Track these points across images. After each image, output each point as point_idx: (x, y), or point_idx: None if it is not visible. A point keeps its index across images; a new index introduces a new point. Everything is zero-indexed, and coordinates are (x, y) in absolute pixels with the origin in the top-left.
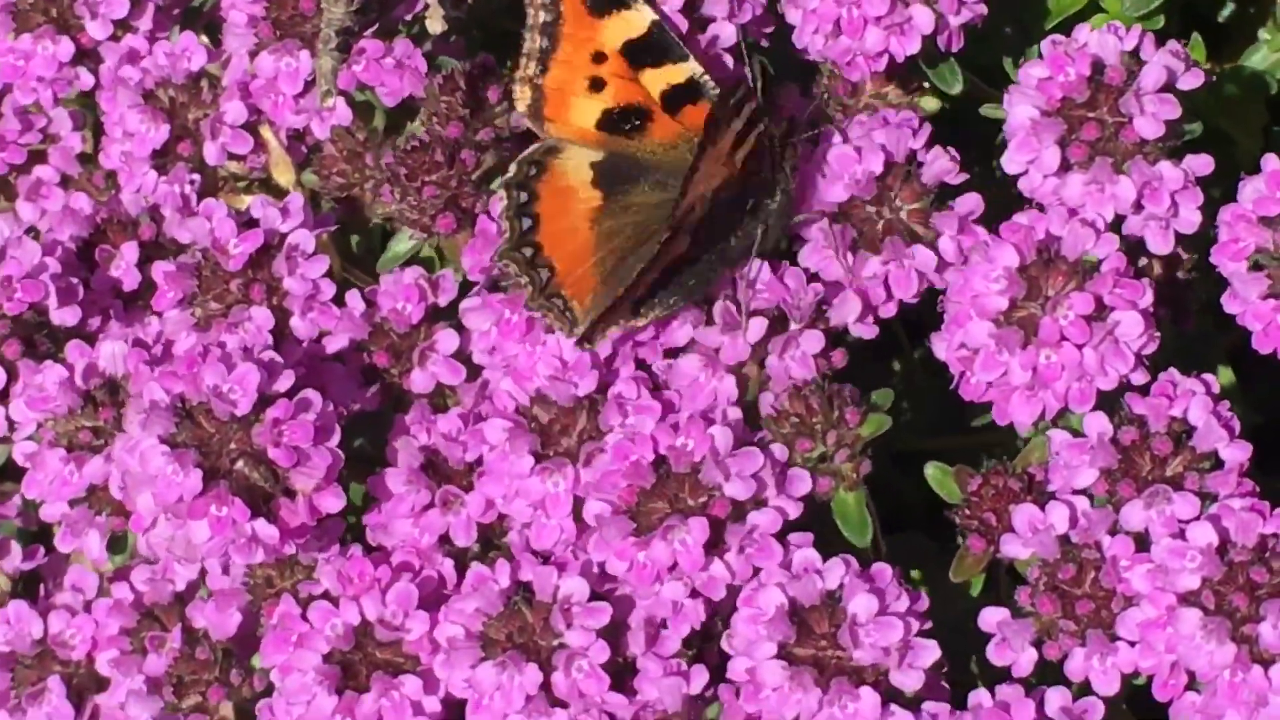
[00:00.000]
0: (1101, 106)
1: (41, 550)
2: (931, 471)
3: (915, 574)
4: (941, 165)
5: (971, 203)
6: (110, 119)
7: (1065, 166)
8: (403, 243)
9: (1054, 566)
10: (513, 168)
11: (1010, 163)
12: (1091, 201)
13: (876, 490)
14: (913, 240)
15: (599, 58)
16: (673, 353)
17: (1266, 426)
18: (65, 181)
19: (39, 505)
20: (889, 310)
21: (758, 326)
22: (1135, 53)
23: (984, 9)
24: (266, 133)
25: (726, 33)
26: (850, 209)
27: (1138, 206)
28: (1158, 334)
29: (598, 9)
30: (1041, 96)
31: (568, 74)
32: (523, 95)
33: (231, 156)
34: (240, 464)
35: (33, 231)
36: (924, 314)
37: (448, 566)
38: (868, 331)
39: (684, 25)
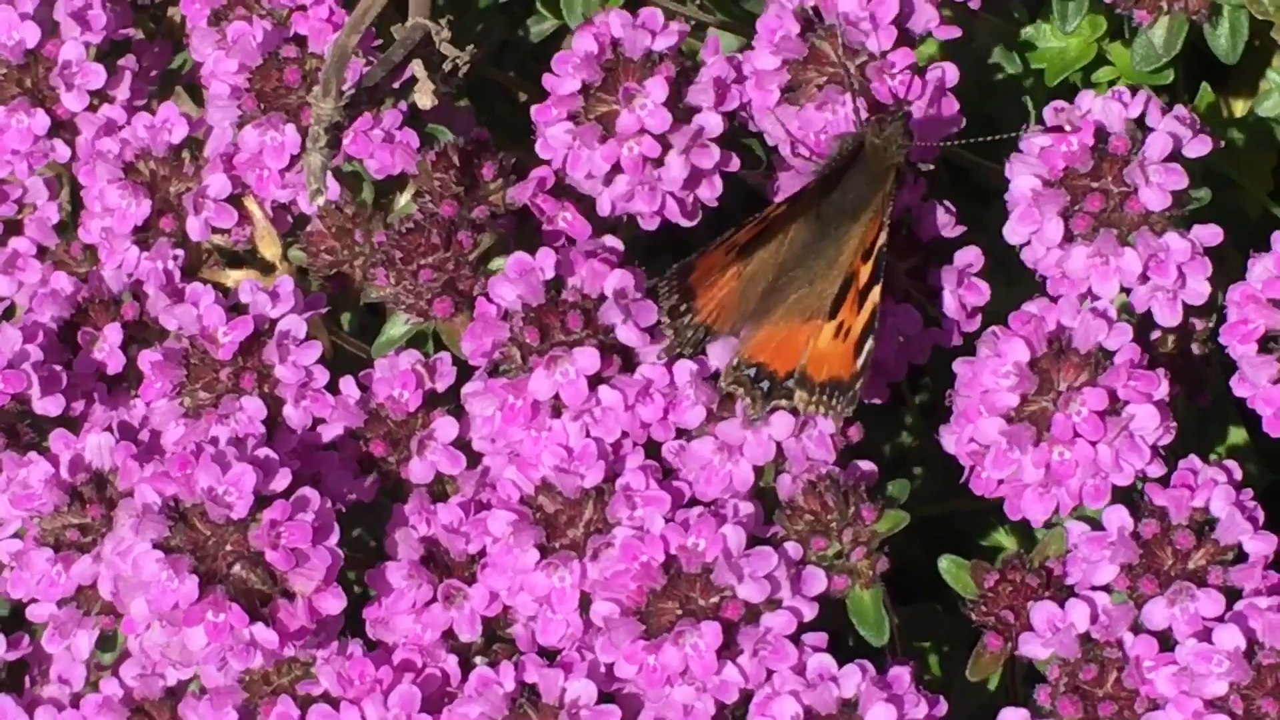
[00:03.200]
0: (1106, 176)
1: (27, 639)
2: (946, 565)
3: (926, 648)
4: (939, 219)
5: (970, 256)
6: (90, 194)
7: (1069, 238)
8: (398, 326)
9: (1075, 666)
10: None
11: (1012, 234)
12: (1096, 274)
13: None
14: (910, 298)
15: None
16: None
17: None
18: (42, 253)
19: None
20: (898, 373)
21: (782, 423)
22: (1140, 119)
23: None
24: (251, 205)
25: (712, 122)
26: None
27: (1144, 278)
28: (1174, 424)
29: None
30: (1044, 166)
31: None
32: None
33: (215, 230)
34: (237, 568)
35: (9, 309)
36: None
37: (452, 664)
38: (880, 396)
39: (668, 118)
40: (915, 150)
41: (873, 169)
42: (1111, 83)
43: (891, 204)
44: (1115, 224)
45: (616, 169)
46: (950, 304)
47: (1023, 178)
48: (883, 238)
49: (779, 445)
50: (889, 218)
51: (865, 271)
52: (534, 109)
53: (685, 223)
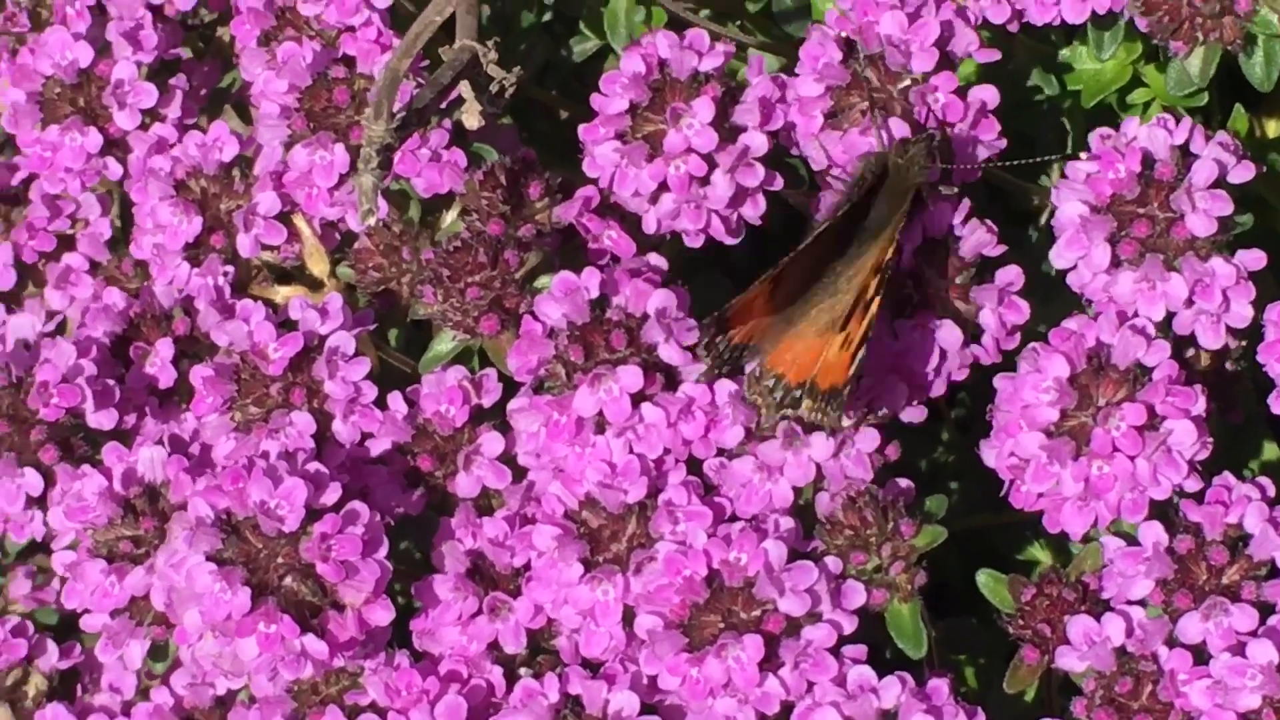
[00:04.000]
0: (1152, 202)
1: (78, 648)
2: (984, 580)
3: (962, 661)
4: (980, 238)
5: (1011, 274)
6: (141, 210)
7: (1115, 263)
8: (445, 343)
9: (1111, 679)
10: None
11: (1059, 258)
12: (1142, 299)
13: None
14: (952, 315)
15: None
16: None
17: None
18: (94, 268)
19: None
20: (938, 390)
21: (822, 444)
22: (1185, 146)
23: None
24: (300, 222)
25: (757, 142)
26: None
27: (1189, 302)
28: (1210, 440)
29: None
30: (1090, 192)
31: None
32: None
33: (265, 247)
34: (288, 580)
35: (61, 323)
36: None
37: (497, 674)
38: (917, 416)
39: (715, 137)
40: (957, 172)
41: (895, 189)
42: (1146, 104)
43: (905, 222)
44: (1161, 249)
45: (663, 187)
46: (990, 321)
47: (1070, 204)
48: (891, 254)
49: (818, 466)
50: (902, 235)
51: (873, 285)
52: (581, 128)
53: (729, 240)
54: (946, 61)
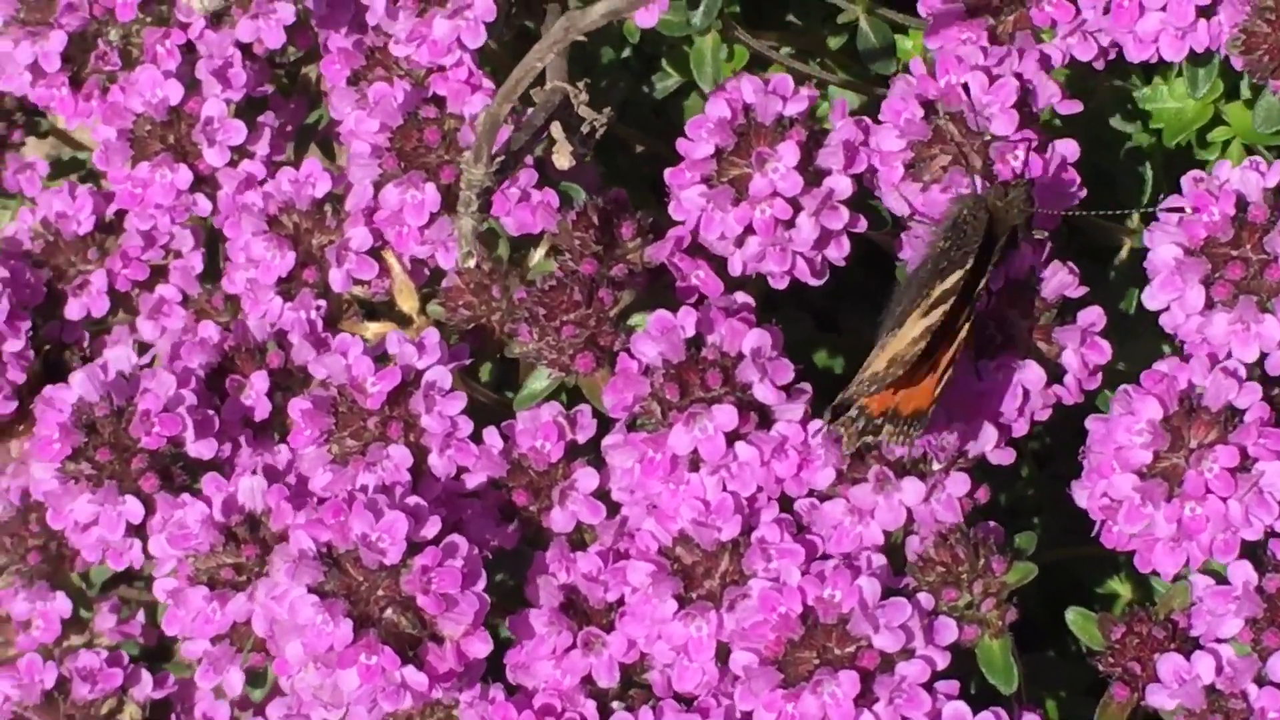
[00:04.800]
0: (1245, 245)
1: (172, 678)
2: (1073, 617)
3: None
4: (1062, 279)
5: (1093, 315)
6: (234, 245)
7: (1209, 305)
8: (540, 381)
9: (1200, 717)
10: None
11: (1152, 300)
12: (1236, 340)
13: None
14: (1035, 356)
15: None
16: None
17: None
18: (185, 300)
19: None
20: (1021, 429)
21: (913, 488)
22: (1278, 189)
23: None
24: (390, 258)
25: (842, 185)
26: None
27: None
28: None
29: None
30: (1184, 235)
31: None
32: None
33: (356, 282)
34: (389, 612)
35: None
36: None
37: (590, 709)
38: (1006, 458)
39: (800, 181)
40: (1037, 217)
41: (993, 231)
42: (1226, 143)
43: (999, 257)
44: (1255, 291)
45: (748, 230)
46: (1073, 362)
47: (1164, 246)
48: (982, 283)
49: (909, 510)
50: (993, 267)
51: (963, 314)
52: (668, 172)
53: (813, 282)
54: (1028, 118)
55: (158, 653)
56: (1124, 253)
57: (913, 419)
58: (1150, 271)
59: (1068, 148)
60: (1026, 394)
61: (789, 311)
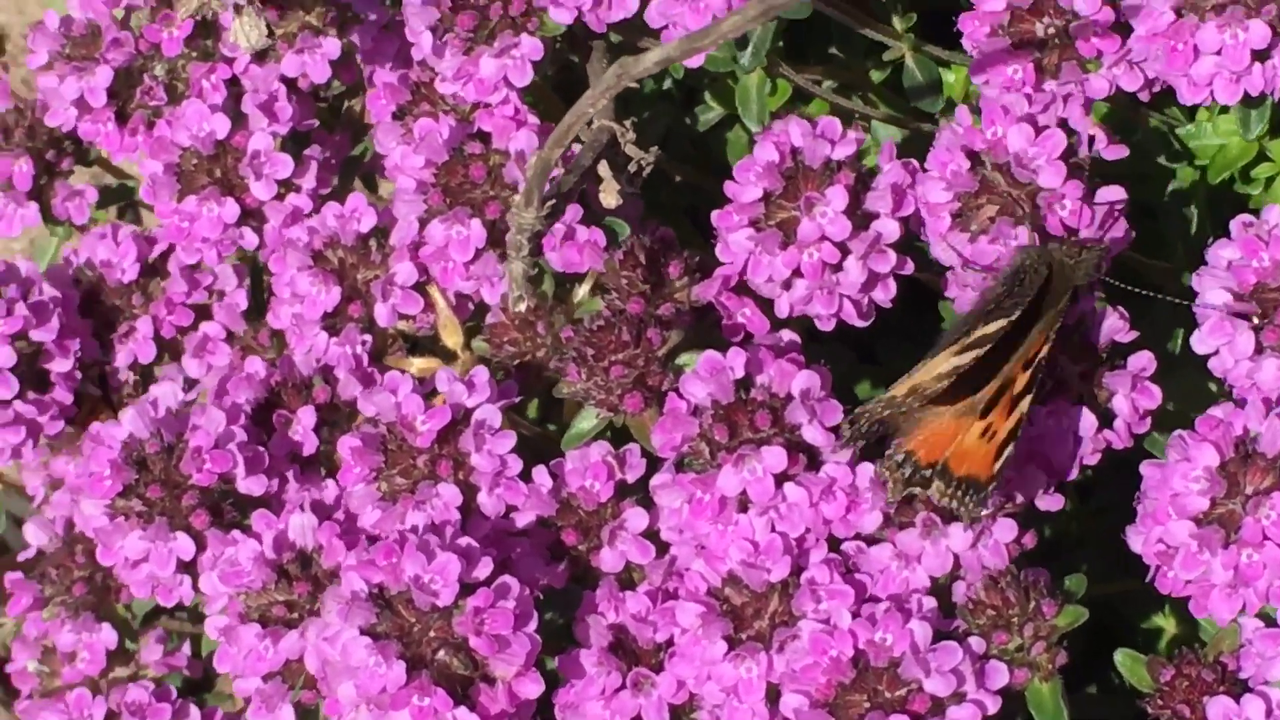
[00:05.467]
0: None
1: (220, 713)
2: (1122, 659)
3: None
4: (1113, 325)
5: (1144, 360)
6: (280, 280)
7: (1259, 350)
8: (588, 420)
9: None
10: None
11: (1201, 344)
12: None
13: None
14: (1086, 401)
15: None
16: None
17: None
18: (230, 337)
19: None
20: (1071, 475)
21: (960, 535)
22: None
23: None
24: (434, 293)
25: (890, 229)
26: None
27: None
28: None
29: None
30: (1233, 279)
31: None
32: None
33: (401, 316)
34: (441, 653)
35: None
36: None
37: None
38: (1054, 504)
39: (848, 225)
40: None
41: (1056, 288)
42: (1270, 179)
43: (1061, 321)
44: None
45: (796, 274)
46: (1124, 407)
47: (1213, 291)
48: (1045, 351)
49: (956, 556)
50: (1054, 334)
51: (1022, 380)
52: (715, 215)
53: (859, 324)
54: (1074, 168)
55: (201, 683)
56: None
57: (967, 484)
58: (1199, 316)
59: (1114, 193)
60: (1078, 440)
61: (834, 348)
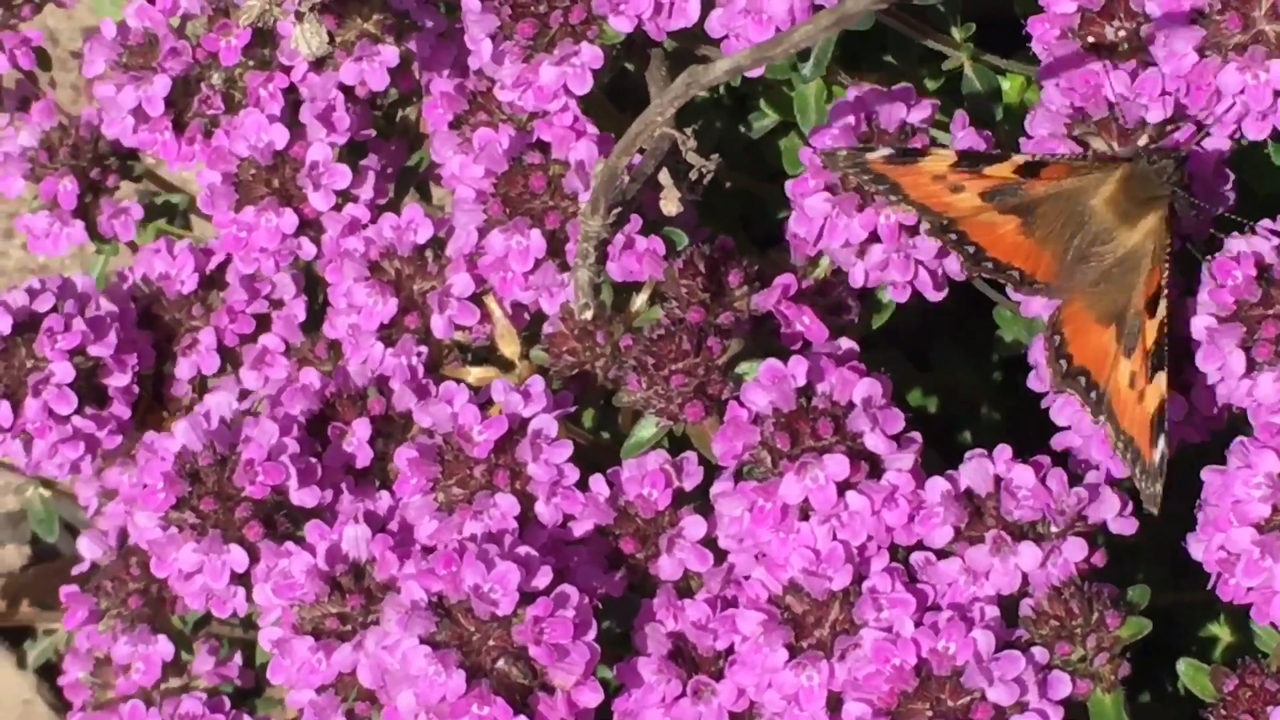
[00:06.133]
0: (1276, 303)
1: None
2: (1185, 669)
3: None
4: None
5: None
6: (336, 291)
7: (1252, 366)
8: (648, 429)
9: None
10: None
11: (1204, 370)
12: None
13: None
14: None
15: None
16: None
17: None
18: (288, 349)
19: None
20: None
21: (1030, 554)
22: None
23: None
24: (491, 304)
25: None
26: None
27: None
28: None
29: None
30: (1213, 303)
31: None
32: None
33: (458, 328)
34: (500, 662)
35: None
36: None
37: None
38: (1128, 528)
39: None
40: (1188, 222)
41: (1136, 193)
42: None
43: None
44: None
45: (873, 238)
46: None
47: (1198, 318)
48: (1165, 278)
49: (1025, 574)
50: (1168, 260)
51: (1151, 331)
52: (789, 183)
53: (933, 295)
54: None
55: (251, 690)
56: None
57: (1133, 451)
58: (1194, 345)
59: (1220, 141)
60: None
61: (887, 353)
